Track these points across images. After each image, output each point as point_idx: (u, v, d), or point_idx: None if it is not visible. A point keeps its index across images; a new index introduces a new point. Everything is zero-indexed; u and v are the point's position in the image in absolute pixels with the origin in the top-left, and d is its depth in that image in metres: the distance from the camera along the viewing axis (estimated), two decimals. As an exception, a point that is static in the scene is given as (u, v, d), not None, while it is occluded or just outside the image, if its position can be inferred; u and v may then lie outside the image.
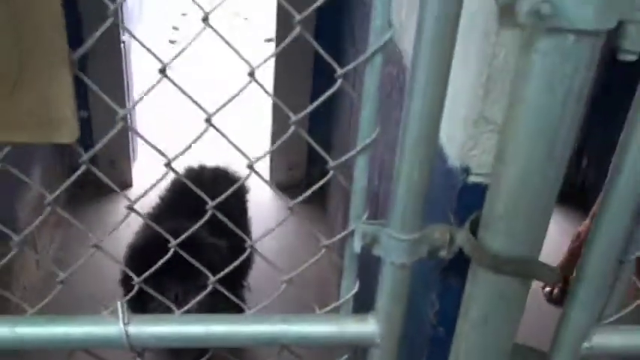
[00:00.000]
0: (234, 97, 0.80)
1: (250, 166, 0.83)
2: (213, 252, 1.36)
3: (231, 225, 0.88)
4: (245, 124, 3.40)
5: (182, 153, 0.86)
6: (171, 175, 2.01)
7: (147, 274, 0.92)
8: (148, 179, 2.89)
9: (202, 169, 1.89)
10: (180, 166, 1.95)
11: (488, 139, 0.82)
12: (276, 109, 3.03)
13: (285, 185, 3.16)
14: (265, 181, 0.89)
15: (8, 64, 0.69)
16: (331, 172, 0.81)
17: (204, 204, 0.90)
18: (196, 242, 0.99)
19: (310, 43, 0.79)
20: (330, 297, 2.43)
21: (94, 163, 1.43)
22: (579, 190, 3.44)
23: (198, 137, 0.85)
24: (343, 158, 0.79)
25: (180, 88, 0.80)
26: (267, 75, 3.19)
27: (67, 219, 0.98)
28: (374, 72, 0.71)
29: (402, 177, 0.76)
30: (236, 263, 0.94)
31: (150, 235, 1.57)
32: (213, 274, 0.93)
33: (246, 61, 0.79)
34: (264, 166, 3.28)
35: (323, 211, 3.00)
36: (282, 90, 2.89)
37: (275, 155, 3.14)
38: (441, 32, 0.67)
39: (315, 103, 0.78)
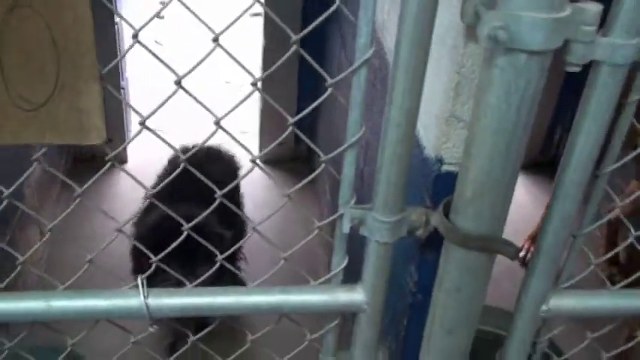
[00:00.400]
0: (202, 61, 0.86)
1: (253, 161, 0.94)
2: (218, 238, 1.48)
3: (236, 210, 1.00)
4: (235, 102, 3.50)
5: (154, 112, 0.92)
6: (167, 155, 2.10)
7: (162, 254, 1.04)
8: (142, 155, 3.01)
9: (196, 149, 2.00)
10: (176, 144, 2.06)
11: (458, 135, 0.95)
12: (265, 84, 3.13)
13: (273, 160, 3.31)
14: (266, 173, 1.00)
15: (47, 80, 0.81)
16: (322, 165, 0.94)
17: (201, 184, 1.02)
18: (202, 228, 1.10)
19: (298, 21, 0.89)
20: (318, 268, 2.57)
21: None
22: (552, 162, 3.59)
23: (169, 97, 0.89)
24: (333, 154, 0.91)
25: (165, 65, 0.91)
26: (256, 52, 3.30)
27: (66, 196, 1.10)
28: (359, 83, 0.83)
29: (383, 170, 0.89)
30: (239, 244, 1.07)
31: (158, 217, 1.69)
32: (218, 252, 1.05)
33: (210, 29, 0.85)
34: (254, 142, 3.41)
35: (312, 187, 3.15)
36: (271, 66, 2.99)
37: (264, 132, 3.28)
38: (418, 38, 0.79)
39: (304, 112, 0.90)
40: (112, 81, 0.96)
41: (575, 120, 0.88)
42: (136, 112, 0.95)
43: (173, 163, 2.04)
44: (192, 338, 1.11)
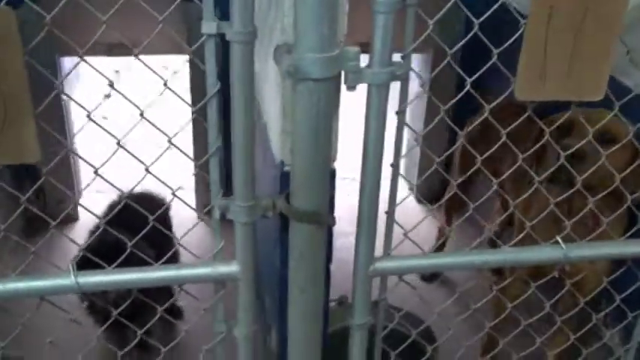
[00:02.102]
0: (132, 129, 1.29)
1: (173, 194, 1.34)
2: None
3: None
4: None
5: (103, 164, 1.33)
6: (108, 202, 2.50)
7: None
8: (90, 216, 3.37)
9: (131, 194, 2.40)
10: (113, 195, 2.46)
11: (289, 144, 1.35)
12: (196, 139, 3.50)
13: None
14: (187, 205, 1.39)
15: (-2, 117, 1.20)
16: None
17: (133, 220, 1.42)
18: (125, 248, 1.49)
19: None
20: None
21: (44, 202, 1.94)
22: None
23: (111, 156, 1.33)
24: (202, 160, 1.31)
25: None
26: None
27: (23, 247, 1.47)
28: (213, 111, 1.24)
29: (236, 171, 1.28)
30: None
31: (95, 243, 2.10)
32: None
33: (136, 106, 1.29)
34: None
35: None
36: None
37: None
38: (245, 81, 1.20)
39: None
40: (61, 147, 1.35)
41: (365, 126, 1.29)
42: (89, 164, 1.35)
43: (111, 206, 2.44)
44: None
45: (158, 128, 1.34)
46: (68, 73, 3.40)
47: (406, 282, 1.54)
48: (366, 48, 1.22)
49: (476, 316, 1.76)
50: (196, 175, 3.07)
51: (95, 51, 1.26)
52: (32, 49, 1.18)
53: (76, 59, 3.55)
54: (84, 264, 1.44)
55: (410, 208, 3.27)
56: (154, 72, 1.33)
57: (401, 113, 1.32)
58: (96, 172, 1.34)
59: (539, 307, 1.79)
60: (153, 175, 1.37)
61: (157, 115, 1.27)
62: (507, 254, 1.52)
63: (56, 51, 3.08)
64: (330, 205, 1.35)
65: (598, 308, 2.03)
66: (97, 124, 1.31)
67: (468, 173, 1.79)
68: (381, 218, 1.40)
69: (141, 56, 1.29)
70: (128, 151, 1.32)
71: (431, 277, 3.07)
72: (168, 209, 2.46)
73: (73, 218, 3.40)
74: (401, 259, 1.45)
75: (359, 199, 1.37)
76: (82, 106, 1.33)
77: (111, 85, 1.28)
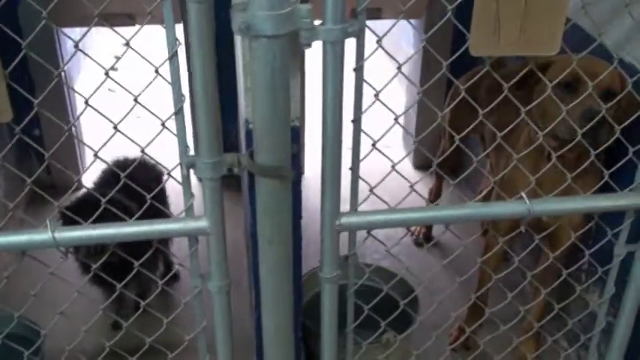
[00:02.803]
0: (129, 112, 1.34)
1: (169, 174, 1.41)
2: (123, 208, 1.93)
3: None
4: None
5: (103, 146, 1.40)
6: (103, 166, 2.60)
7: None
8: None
9: (125, 159, 2.48)
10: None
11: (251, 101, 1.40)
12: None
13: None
14: (178, 182, 1.44)
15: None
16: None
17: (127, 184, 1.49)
18: (113, 202, 1.56)
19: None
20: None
21: (48, 172, 1.98)
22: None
23: (108, 140, 1.40)
24: (168, 118, 1.36)
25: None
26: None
27: (29, 217, 1.55)
28: (175, 68, 1.29)
29: (200, 128, 1.33)
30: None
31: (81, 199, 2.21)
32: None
33: (128, 91, 1.35)
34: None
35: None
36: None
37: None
38: (204, 41, 1.25)
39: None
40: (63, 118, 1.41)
41: (322, 83, 1.34)
42: (89, 147, 1.43)
43: (106, 171, 2.55)
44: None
45: (151, 112, 1.43)
46: (68, 62, 3.46)
47: (374, 237, 1.59)
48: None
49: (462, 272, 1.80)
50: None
51: (97, 22, 1.31)
52: (31, 20, 1.24)
53: (76, 30, 3.62)
54: (67, 222, 1.51)
55: (407, 175, 3.33)
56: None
57: (358, 70, 1.36)
58: (96, 155, 1.41)
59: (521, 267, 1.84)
60: (148, 155, 1.48)
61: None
62: (472, 209, 1.56)
63: (55, 21, 3.14)
64: (294, 162, 1.40)
65: (579, 267, 2.06)
66: (94, 108, 1.38)
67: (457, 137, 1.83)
68: (373, 175, 1.45)
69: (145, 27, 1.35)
70: (124, 134, 1.39)
71: (423, 242, 3.15)
72: (161, 174, 2.53)
73: (77, 187, 3.50)
74: (366, 214, 1.50)
75: (321, 155, 1.41)
76: (80, 94, 1.39)
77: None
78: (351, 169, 1.47)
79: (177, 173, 1.45)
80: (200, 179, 1.39)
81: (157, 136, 1.40)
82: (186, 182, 1.43)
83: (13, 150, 3.39)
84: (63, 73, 3.24)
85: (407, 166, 3.67)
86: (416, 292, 2.14)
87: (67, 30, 3.26)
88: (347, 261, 1.59)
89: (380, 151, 1.46)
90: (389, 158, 1.50)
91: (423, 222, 1.54)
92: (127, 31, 1.38)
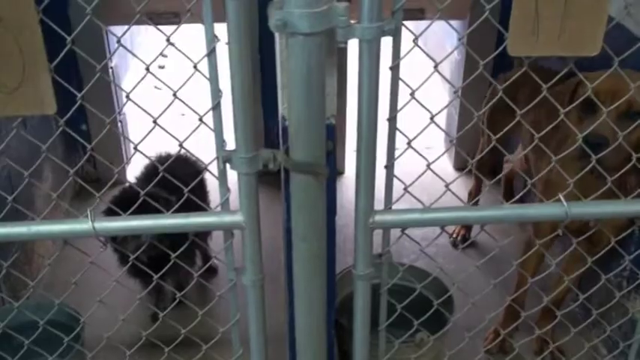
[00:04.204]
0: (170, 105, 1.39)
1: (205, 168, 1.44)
2: (164, 200, 1.97)
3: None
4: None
5: (143, 139, 1.44)
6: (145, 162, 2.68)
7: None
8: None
9: (167, 155, 2.54)
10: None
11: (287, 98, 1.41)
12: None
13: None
14: (215, 177, 1.47)
15: (17, 73, 1.30)
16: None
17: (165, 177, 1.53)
18: (153, 195, 1.60)
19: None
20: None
21: (94, 166, 2.00)
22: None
23: (147, 134, 1.44)
24: (205, 112, 1.38)
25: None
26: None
27: (74, 209, 1.59)
28: (212, 64, 1.32)
29: (238, 125, 1.35)
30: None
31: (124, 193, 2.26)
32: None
33: (169, 87, 1.38)
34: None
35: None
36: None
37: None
38: (242, 40, 1.27)
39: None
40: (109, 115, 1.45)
41: (358, 81, 1.34)
42: (129, 140, 1.46)
43: (148, 167, 2.60)
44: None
45: (189, 107, 1.46)
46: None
47: (408, 236, 1.59)
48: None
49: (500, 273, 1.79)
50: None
51: (141, 20, 1.35)
52: (81, 17, 1.28)
53: (123, 28, 3.70)
54: (112, 212, 1.55)
55: (447, 176, 3.34)
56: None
57: (394, 68, 1.36)
58: (135, 148, 1.46)
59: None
60: (186, 149, 1.52)
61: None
62: (509, 210, 1.55)
63: (102, 19, 3.22)
64: (329, 159, 1.41)
65: (620, 273, 2.03)
66: (134, 103, 1.41)
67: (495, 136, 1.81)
68: (410, 174, 1.45)
69: (188, 25, 1.38)
70: (163, 128, 1.43)
71: (461, 242, 3.13)
72: (201, 171, 2.58)
73: (122, 180, 3.58)
74: (400, 213, 1.50)
75: (356, 153, 1.42)
76: (121, 89, 1.44)
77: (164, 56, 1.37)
78: (386, 167, 1.47)
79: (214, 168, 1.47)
80: (223, 167, 1.41)
81: (193, 131, 1.42)
82: (222, 176, 1.45)
83: (62, 145, 3.51)
84: (110, 70, 3.32)
85: (448, 168, 3.65)
86: (450, 292, 2.13)
87: (117, 28, 3.34)
88: (380, 259, 1.59)
89: (415, 150, 1.47)
90: (424, 157, 1.50)
91: (457, 222, 1.53)
92: (171, 29, 1.42)
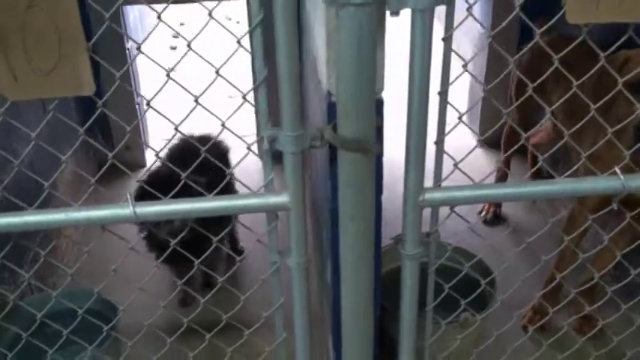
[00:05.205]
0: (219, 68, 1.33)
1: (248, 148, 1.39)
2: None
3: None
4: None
5: (182, 122, 1.40)
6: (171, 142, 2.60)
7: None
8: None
9: (190, 136, 2.49)
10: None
11: (334, 74, 1.35)
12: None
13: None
14: (255, 154, 1.42)
15: (53, 53, 1.24)
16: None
17: (192, 157, 1.48)
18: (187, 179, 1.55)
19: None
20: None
21: (112, 150, 1.92)
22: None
23: (191, 112, 1.39)
24: (250, 90, 1.33)
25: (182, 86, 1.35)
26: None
27: (95, 194, 1.54)
28: (258, 39, 1.26)
29: (284, 101, 1.29)
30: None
31: (154, 175, 2.20)
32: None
33: (210, 64, 1.32)
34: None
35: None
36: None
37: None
38: (287, 16, 1.21)
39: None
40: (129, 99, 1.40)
41: (410, 53, 1.28)
42: (170, 120, 1.40)
43: (173, 149, 2.54)
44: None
45: (233, 85, 1.42)
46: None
47: (458, 214, 1.53)
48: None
49: (532, 250, 1.75)
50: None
51: None
52: None
53: (139, 7, 3.64)
54: (141, 197, 1.50)
55: (474, 153, 3.29)
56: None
57: (447, 39, 1.30)
58: (176, 129, 1.44)
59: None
60: (229, 129, 1.45)
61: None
62: (564, 184, 1.49)
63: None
64: (378, 135, 1.35)
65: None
66: (174, 81, 1.38)
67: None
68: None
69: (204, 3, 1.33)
70: (205, 108, 1.38)
71: (492, 221, 3.07)
72: (227, 151, 2.52)
73: (140, 164, 3.53)
74: (450, 190, 1.44)
75: (406, 129, 1.36)
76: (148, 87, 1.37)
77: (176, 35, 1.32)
78: (436, 143, 1.42)
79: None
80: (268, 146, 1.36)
81: (237, 109, 1.37)
82: (267, 156, 1.40)
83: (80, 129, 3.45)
84: (127, 52, 3.25)
85: (471, 143, 3.59)
86: (495, 274, 2.08)
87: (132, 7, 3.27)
88: (428, 238, 1.54)
89: (467, 124, 1.41)
90: (474, 131, 1.45)
91: (509, 198, 1.47)
92: (190, 7, 1.36)
